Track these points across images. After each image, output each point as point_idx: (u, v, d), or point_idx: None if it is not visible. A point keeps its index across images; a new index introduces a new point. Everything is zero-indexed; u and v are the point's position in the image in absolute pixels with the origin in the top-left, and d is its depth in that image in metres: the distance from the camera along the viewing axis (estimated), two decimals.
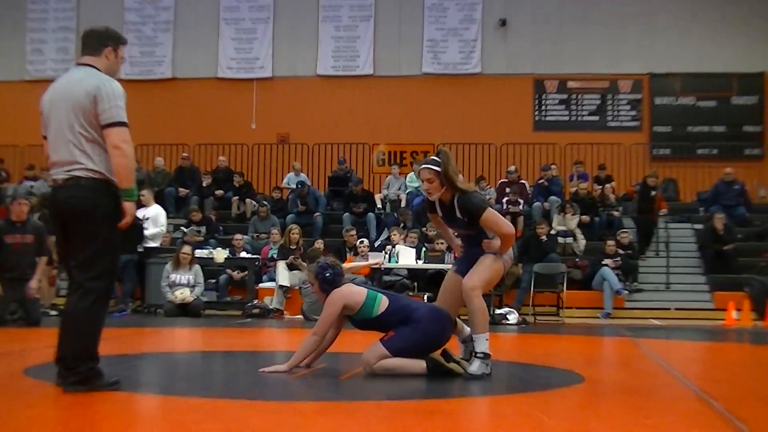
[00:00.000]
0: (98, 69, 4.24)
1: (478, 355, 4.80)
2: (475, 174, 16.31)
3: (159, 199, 14.04)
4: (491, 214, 4.87)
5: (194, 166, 16.33)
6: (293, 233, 12.18)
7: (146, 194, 12.30)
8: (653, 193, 14.18)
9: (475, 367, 4.79)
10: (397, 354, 4.89)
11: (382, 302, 4.95)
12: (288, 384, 4.66)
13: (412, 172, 15.49)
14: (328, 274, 4.98)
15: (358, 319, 5.00)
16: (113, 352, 5.74)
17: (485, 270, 4.88)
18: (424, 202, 5.18)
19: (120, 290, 11.62)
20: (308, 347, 5.01)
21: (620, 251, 12.79)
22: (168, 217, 13.26)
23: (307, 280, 5.23)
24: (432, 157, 5.00)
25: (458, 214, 4.94)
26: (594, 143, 16.81)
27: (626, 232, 13.32)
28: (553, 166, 15.49)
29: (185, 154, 16.42)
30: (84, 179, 4.09)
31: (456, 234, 5.24)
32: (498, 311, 11.04)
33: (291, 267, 11.93)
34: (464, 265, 5.00)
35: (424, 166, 4.96)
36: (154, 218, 12.27)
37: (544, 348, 7.64)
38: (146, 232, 12.17)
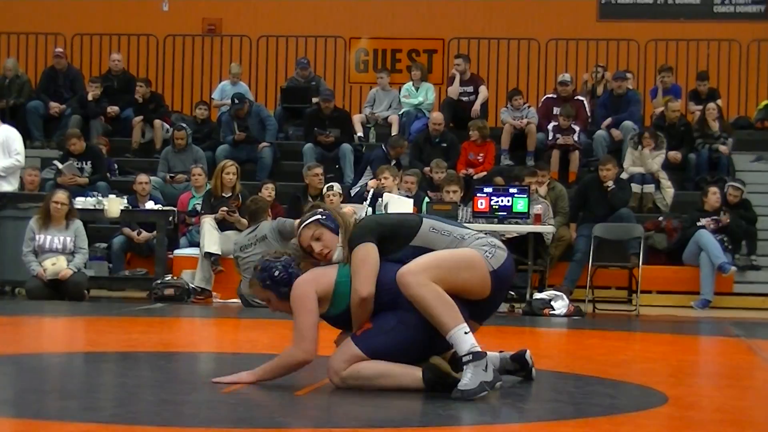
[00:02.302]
0: None
1: (465, 359, 4.76)
2: (506, 87, 16.27)
3: (16, 118, 13.94)
4: (362, 255, 4.88)
5: (73, 69, 16.23)
6: (227, 174, 12.20)
7: None
8: None
9: (468, 378, 4.72)
10: (377, 356, 4.87)
11: None
12: (216, 404, 4.64)
13: (410, 83, 15.48)
14: (276, 273, 4.92)
15: (331, 314, 4.98)
16: None
17: (438, 255, 4.91)
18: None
19: None
20: (289, 364, 4.95)
21: (728, 207, 12.77)
22: (31, 147, 13.21)
23: (255, 293, 5.20)
24: (306, 215, 5.08)
25: None
26: (692, 39, 16.76)
27: (737, 182, 13.26)
28: (628, 75, 15.44)
29: (59, 50, 16.28)
30: None
31: None
32: (538, 296, 11.09)
33: (223, 225, 11.96)
34: None
35: (305, 223, 5.05)
36: (3, 145, 12.20)
37: (608, 352, 7.69)
38: None
